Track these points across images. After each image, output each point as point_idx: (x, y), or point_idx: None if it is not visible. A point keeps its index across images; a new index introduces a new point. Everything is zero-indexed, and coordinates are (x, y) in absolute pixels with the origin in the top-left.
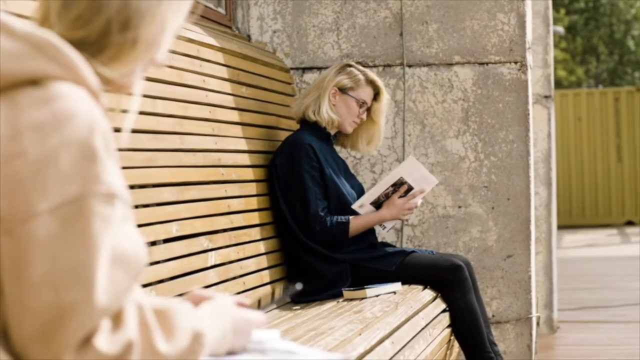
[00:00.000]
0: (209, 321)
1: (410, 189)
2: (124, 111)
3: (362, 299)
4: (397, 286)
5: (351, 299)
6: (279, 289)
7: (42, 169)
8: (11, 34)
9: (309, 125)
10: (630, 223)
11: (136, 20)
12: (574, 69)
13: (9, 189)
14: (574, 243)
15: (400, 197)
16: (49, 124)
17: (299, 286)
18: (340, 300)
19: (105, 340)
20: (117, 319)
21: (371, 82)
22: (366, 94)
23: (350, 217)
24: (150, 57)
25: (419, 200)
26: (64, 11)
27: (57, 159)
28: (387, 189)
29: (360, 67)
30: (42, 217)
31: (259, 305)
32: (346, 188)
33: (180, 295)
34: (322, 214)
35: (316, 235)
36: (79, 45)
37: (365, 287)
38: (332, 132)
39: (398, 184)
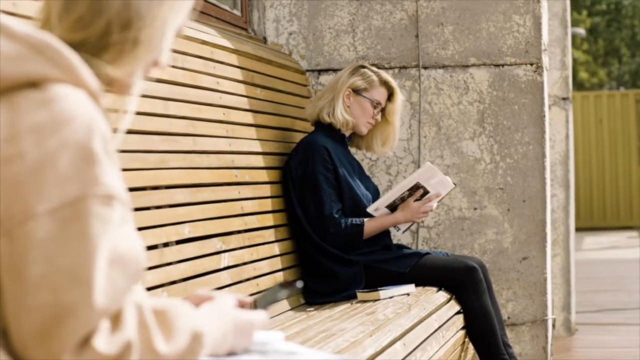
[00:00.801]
0: (209, 321)
1: (426, 192)
2: (123, 112)
3: (376, 300)
4: (410, 288)
5: (365, 301)
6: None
7: (41, 170)
8: (11, 36)
9: (323, 127)
10: None
11: (136, 22)
12: (595, 71)
13: (8, 191)
14: (595, 245)
15: (416, 200)
16: (48, 126)
17: (299, 284)
18: (354, 302)
19: (103, 341)
20: (116, 320)
21: (385, 83)
22: (380, 94)
23: (365, 219)
24: (151, 58)
25: (434, 204)
26: (64, 13)
27: (55, 161)
28: (403, 193)
29: (374, 68)
30: (40, 218)
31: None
32: (361, 189)
33: None
34: (336, 215)
35: (330, 237)
36: (80, 47)
37: (379, 288)
38: (347, 133)
39: (414, 188)
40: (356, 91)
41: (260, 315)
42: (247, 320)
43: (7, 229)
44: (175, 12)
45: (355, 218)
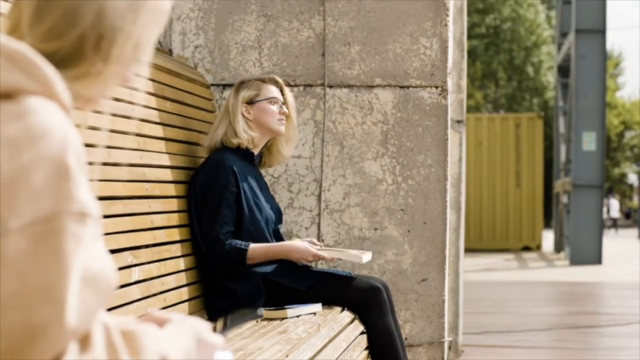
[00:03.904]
0: (174, 343)
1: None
2: (93, 128)
3: (283, 319)
4: (317, 307)
5: (271, 319)
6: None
7: (14, 185)
8: None
9: (231, 148)
10: (527, 249)
11: (110, 37)
12: (472, 93)
13: None
14: (473, 267)
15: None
16: (22, 140)
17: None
18: (259, 319)
19: None
20: (84, 340)
21: (270, 80)
22: (272, 91)
23: (251, 244)
24: (120, 75)
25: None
26: (36, 21)
27: (29, 176)
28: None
29: (253, 76)
30: (13, 234)
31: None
32: (265, 211)
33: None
34: (222, 237)
35: (212, 257)
36: (51, 58)
37: (286, 307)
38: (256, 151)
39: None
40: (250, 102)
41: (219, 338)
42: (208, 342)
43: None
44: (148, 32)
45: (241, 241)
